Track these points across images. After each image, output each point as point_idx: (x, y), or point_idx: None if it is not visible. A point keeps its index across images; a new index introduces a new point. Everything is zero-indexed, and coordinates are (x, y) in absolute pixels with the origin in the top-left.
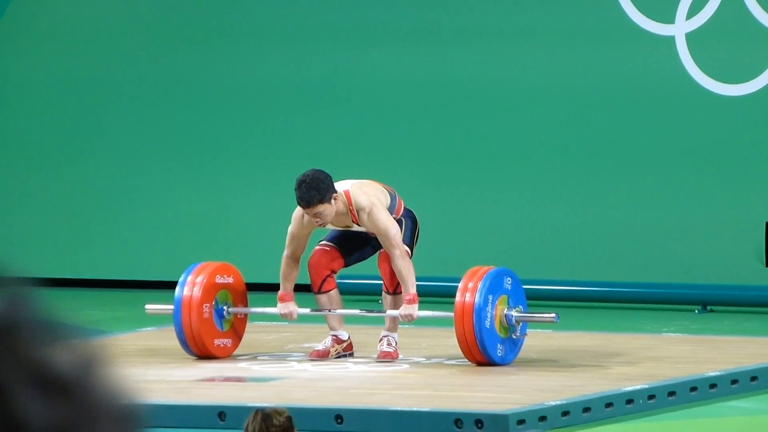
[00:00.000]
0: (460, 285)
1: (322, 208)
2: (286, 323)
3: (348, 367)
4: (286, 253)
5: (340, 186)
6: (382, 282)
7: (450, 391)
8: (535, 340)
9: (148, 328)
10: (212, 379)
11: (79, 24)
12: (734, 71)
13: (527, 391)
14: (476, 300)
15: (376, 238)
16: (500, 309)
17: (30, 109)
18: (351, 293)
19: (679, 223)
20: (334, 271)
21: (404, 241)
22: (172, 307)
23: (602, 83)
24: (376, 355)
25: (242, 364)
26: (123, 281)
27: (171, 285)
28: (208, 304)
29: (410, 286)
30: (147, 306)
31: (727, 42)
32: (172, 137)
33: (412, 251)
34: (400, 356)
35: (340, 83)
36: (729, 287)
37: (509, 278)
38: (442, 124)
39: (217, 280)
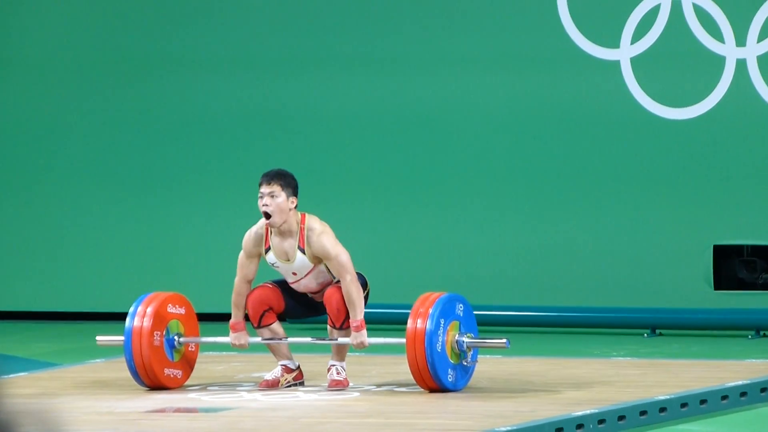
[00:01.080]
0: (411, 310)
1: (278, 191)
2: (237, 352)
3: (298, 396)
4: (237, 278)
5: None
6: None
7: (401, 419)
8: (486, 366)
9: (98, 360)
10: (163, 410)
11: (25, 58)
12: (680, 95)
13: (478, 417)
14: (428, 325)
15: (321, 303)
16: (452, 335)
17: None
18: (299, 323)
19: (628, 247)
20: (272, 308)
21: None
22: (122, 338)
23: (548, 108)
24: (326, 385)
25: (192, 395)
26: (72, 313)
27: (121, 316)
28: (159, 333)
29: (359, 312)
30: (98, 338)
31: (672, 66)
32: (121, 168)
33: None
34: (351, 384)
35: (291, 112)
36: (678, 311)
37: (461, 304)
38: (394, 151)
39: (168, 310)
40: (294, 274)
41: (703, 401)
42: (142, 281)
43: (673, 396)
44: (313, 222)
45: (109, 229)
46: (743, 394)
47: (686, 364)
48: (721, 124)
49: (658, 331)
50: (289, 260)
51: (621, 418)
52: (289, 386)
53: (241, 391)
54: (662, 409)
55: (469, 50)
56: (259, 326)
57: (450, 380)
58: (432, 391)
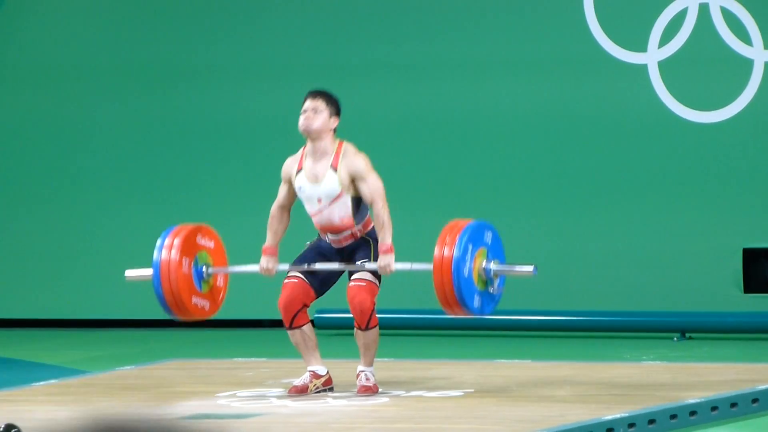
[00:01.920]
0: (439, 237)
1: (323, 107)
2: (266, 358)
3: (328, 402)
4: (273, 204)
5: None
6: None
7: (430, 424)
8: (515, 371)
9: (128, 367)
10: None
11: (50, 67)
12: (707, 98)
13: (507, 422)
14: (455, 252)
15: (344, 261)
16: (479, 262)
17: (5, 151)
18: (326, 327)
19: (657, 250)
20: (306, 305)
21: (373, 272)
22: (151, 271)
23: (576, 112)
24: (355, 391)
25: (222, 401)
26: (102, 321)
27: (147, 323)
28: (187, 260)
29: (388, 236)
30: (127, 272)
31: (700, 69)
32: (142, 174)
33: (379, 282)
34: (380, 389)
35: None
36: (707, 314)
37: (489, 232)
38: (418, 155)
39: (198, 241)
40: (318, 201)
41: (733, 404)
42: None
43: (703, 399)
44: (351, 146)
45: (137, 235)
46: None
47: (716, 367)
48: (749, 126)
49: (687, 335)
50: (317, 182)
51: (651, 421)
52: (318, 392)
53: (270, 397)
54: (692, 413)
55: (495, 54)
56: (291, 327)
57: (476, 305)
58: (458, 314)
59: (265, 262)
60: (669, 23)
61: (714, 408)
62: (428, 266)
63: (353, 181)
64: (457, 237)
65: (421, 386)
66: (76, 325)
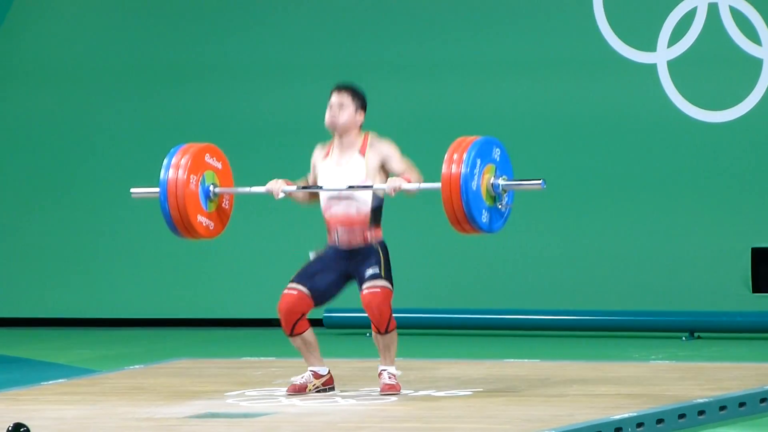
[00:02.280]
0: (447, 153)
1: (348, 102)
2: (274, 357)
3: (336, 401)
4: None
5: None
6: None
7: (439, 423)
8: (524, 370)
9: (137, 366)
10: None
11: (58, 65)
12: (717, 98)
13: (516, 421)
14: (462, 168)
15: (348, 269)
16: (487, 178)
17: (9, 153)
18: (335, 327)
19: (665, 250)
20: (304, 314)
21: (388, 278)
22: (158, 189)
23: (585, 112)
24: (378, 389)
25: (230, 401)
26: (111, 320)
27: (156, 323)
28: (195, 177)
29: (414, 175)
30: (132, 190)
31: (709, 69)
32: (156, 174)
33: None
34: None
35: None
36: (716, 314)
37: (497, 148)
38: (428, 155)
39: (206, 159)
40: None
41: (741, 404)
42: (180, 287)
43: (711, 399)
44: (376, 136)
45: (148, 234)
46: None
47: (725, 367)
48: (758, 126)
49: (696, 334)
50: (343, 166)
51: (660, 421)
52: (318, 391)
53: (279, 396)
54: (701, 412)
55: (505, 54)
56: (292, 335)
57: (484, 221)
58: (467, 233)
59: (273, 182)
60: (678, 23)
61: (722, 408)
62: (437, 185)
63: (383, 166)
64: (465, 153)
65: (430, 386)
66: (85, 324)
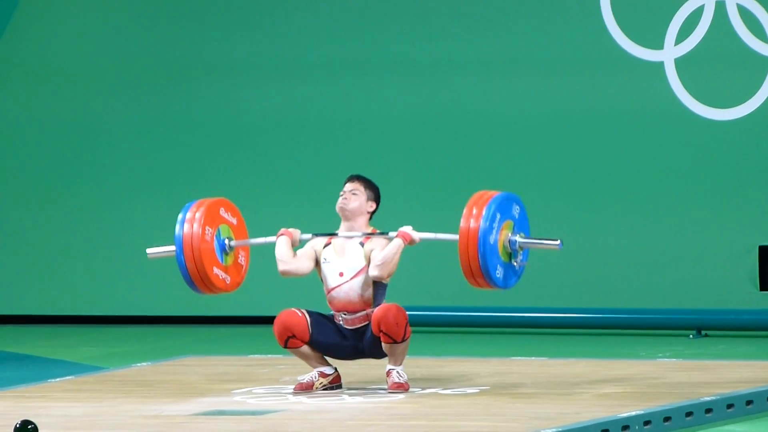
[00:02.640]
0: (466, 207)
1: (360, 191)
2: (281, 356)
3: (343, 399)
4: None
5: None
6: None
7: (446, 421)
8: (531, 368)
9: (145, 363)
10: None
11: (63, 64)
12: (724, 95)
13: (523, 419)
14: (482, 222)
15: (358, 341)
16: (504, 234)
17: (17, 151)
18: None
19: (672, 248)
20: (295, 336)
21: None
22: (173, 248)
23: (592, 110)
24: (386, 387)
25: (237, 398)
26: (119, 317)
27: (166, 320)
28: (210, 230)
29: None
30: (148, 250)
31: (717, 66)
32: (160, 171)
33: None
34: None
35: (329, 117)
36: (723, 312)
37: (517, 206)
38: (433, 154)
39: (220, 213)
40: (341, 274)
41: (749, 402)
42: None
43: (718, 397)
44: (382, 235)
45: (155, 232)
46: None
47: (732, 364)
48: (766, 123)
49: (703, 332)
50: (343, 255)
51: (667, 419)
52: (326, 389)
53: (286, 394)
54: (708, 410)
55: (512, 52)
56: (286, 347)
57: (498, 275)
58: (481, 287)
59: (286, 230)
60: (685, 21)
61: (730, 405)
62: (454, 236)
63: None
64: (485, 207)
65: (437, 383)
66: (92, 322)
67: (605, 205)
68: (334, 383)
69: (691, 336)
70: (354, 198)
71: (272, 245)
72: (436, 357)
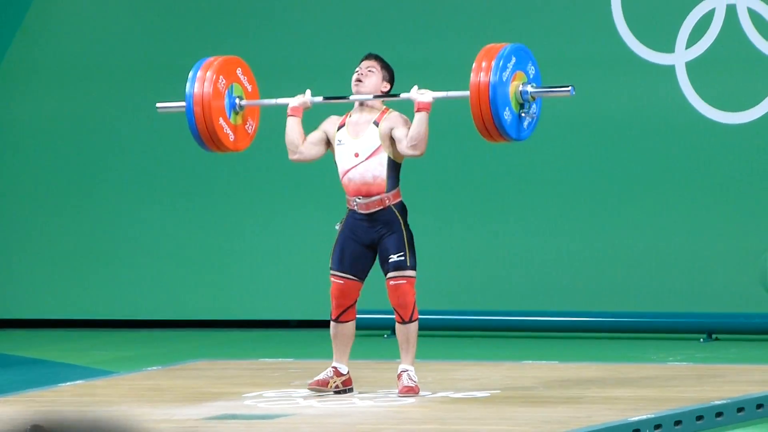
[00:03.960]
0: (475, 63)
1: (376, 70)
2: (291, 359)
3: (354, 403)
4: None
5: None
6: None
7: (458, 425)
8: (542, 372)
9: (155, 367)
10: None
11: (77, 66)
12: (735, 99)
13: (535, 422)
14: (491, 75)
15: (372, 238)
16: (515, 85)
17: (30, 154)
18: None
19: (683, 251)
20: (355, 302)
21: (412, 264)
22: (183, 103)
23: (603, 113)
24: (384, 391)
25: (248, 402)
26: (129, 321)
27: (177, 324)
28: (224, 80)
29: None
30: (158, 104)
31: (728, 70)
32: (174, 175)
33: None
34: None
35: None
36: (734, 315)
37: (527, 56)
38: (442, 154)
39: (237, 72)
40: (356, 155)
41: (759, 406)
42: (198, 288)
43: (729, 401)
44: (397, 113)
45: (167, 236)
46: None
47: (743, 368)
48: None
49: (714, 336)
50: (358, 136)
51: (677, 423)
52: (338, 391)
53: (296, 398)
54: (719, 414)
55: None
56: (338, 321)
57: (513, 128)
58: (495, 141)
59: (299, 97)
60: (696, 24)
61: (740, 409)
62: (465, 93)
63: (390, 136)
64: (494, 61)
65: (448, 387)
66: (103, 326)
67: (615, 208)
68: (347, 386)
69: (701, 340)
70: (370, 75)
71: (283, 109)
72: (448, 360)
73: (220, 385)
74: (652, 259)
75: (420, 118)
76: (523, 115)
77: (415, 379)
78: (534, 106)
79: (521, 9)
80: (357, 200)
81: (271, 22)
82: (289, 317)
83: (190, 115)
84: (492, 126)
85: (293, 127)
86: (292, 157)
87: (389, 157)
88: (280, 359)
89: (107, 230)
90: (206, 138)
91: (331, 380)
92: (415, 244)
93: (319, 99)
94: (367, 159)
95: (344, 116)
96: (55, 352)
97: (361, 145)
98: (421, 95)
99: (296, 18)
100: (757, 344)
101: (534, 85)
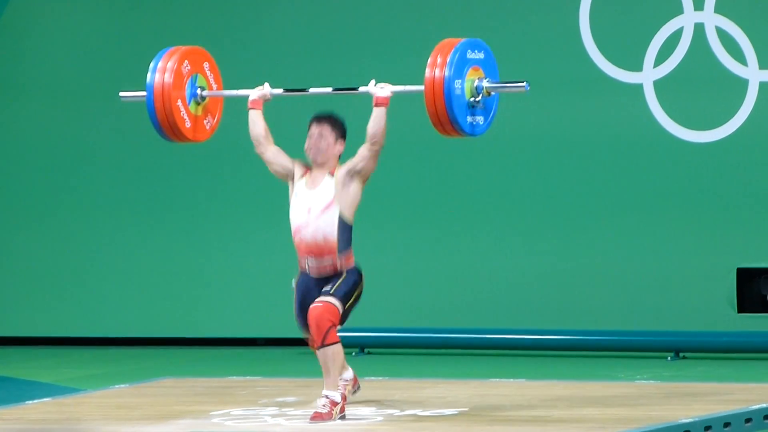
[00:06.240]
0: (430, 57)
1: (328, 133)
2: (259, 377)
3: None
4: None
5: None
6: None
7: None
8: (509, 390)
9: (123, 385)
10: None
11: (49, 82)
12: (703, 118)
13: None
14: (446, 70)
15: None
16: (471, 80)
17: (4, 167)
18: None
19: (651, 270)
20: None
21: (337, 295)
22: (144, 93)
23: (571, 132)
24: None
25: (216, 420)
26: (98, 339)
27: (145, 341)
28: (189, 66)
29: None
30: (121, 93)
31: (696, 89)
32: (146, 192)
33: (345, 310)
34: (374, 409)
35: None
36: (701, 334)
37: (482, 51)
38: (415, 173)
39: (203, 65)
40: (309, 211)
41: (726, 424)
42: (167, 306)
43: (697, 419)
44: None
45: (135, 254)
46: (767, 417)
47: (710, 387)
48: (744, 146)
49: (681, 355)
50: (314, 187)
51: None
52: (355, 392)
53: (264, 416)
54: None
55: None
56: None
57: (468, 124)
58: (450, 135)
59: (259, 89)
60: (664, 43)
61: (707, 428)
62: (420, 87)
63: (350, 171)
64: (448, 56)
65: (416, 405)
66: (70, 343)
67: (583, 227)
68: (355, 385)
69: (669, 358)
70: (322, 142)
71: (243, 100)
72: (416, 378)
73: (188, 402)
74: (619, 278)
75: (378, 113)
76: (474, 106)
77: (338, 401)
78: (490, 99)
79: (489, 27)
80: (309, 262)
81: (245, 35)
82: (257, 335)
83: (149, 94)
84: (446, 120)
85: (255, 120)
86: (260, 150)
87: (340, 217)
88: (248, 377)
89: (75, 248)
90: (162, 117)
91: (348, 394)
92: (362, 290)
93: (279, 91)
94: (318, 216)
95: (307, 169)
96: (23, 370)
97: (315, 198)
98: (380, 90)
99: (288, 21)
100: (724, 363)
101: (490, 80)
